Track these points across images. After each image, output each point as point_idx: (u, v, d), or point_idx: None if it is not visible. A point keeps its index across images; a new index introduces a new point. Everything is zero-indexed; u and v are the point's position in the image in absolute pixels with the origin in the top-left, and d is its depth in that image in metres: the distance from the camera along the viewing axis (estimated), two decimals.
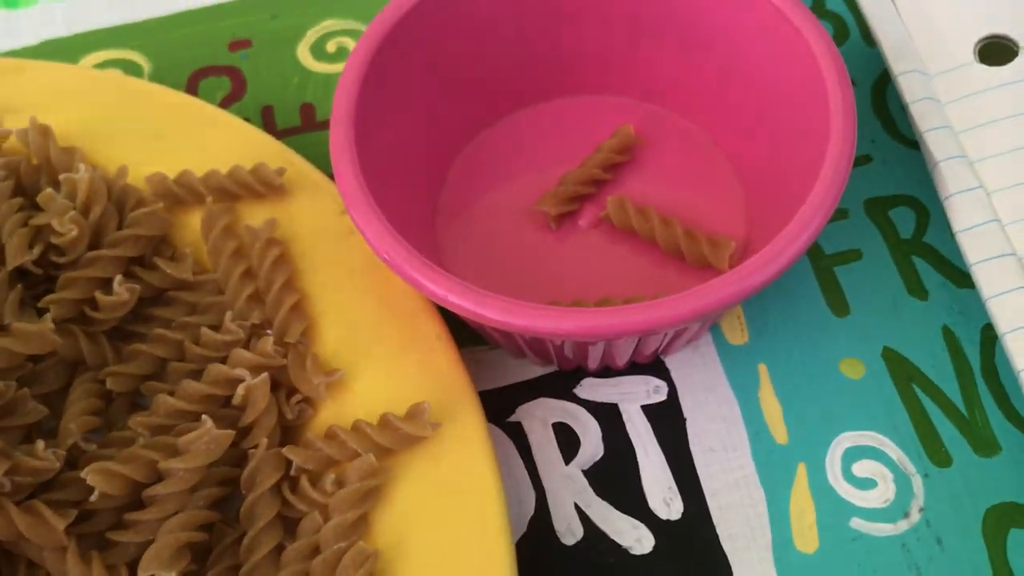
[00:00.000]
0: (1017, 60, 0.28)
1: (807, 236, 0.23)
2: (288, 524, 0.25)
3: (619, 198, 0.29)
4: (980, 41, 0.29)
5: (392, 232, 0.24)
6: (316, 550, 0.24)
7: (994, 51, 0.29)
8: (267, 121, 0.33)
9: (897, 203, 0.30)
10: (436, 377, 0.26)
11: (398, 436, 0.24)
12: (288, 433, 0.26)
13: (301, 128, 0.33)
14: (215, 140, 0.30)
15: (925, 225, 0.30)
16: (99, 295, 0.26)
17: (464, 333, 0.28)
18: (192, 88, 0.34)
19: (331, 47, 0.35)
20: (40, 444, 0.24)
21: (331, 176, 0.29)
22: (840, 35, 0.33)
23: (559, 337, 0.23)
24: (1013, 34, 0.29)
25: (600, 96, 0.32)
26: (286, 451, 0.25)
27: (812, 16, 0.26)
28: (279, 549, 0.24)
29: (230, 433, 0.24)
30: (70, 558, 0.23)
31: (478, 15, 0.29)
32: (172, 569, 0.23)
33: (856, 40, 0.33)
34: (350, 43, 0.35)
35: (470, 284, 0.23)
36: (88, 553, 0.23)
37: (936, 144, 0.27)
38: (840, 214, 0.30)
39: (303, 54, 0.35)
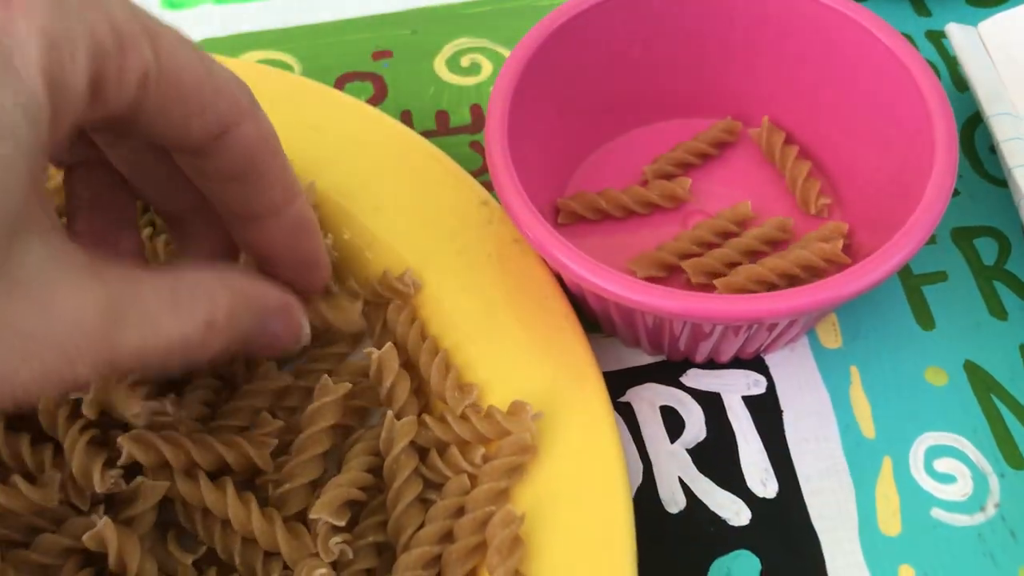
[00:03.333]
0: None
1: (907, 251, 0.26)
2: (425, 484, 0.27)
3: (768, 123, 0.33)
4: None
5: (538, 217, 0.27)
6: (461, 510, 0.26)
7: None
8: (405, 123, 0.37)
9: (981, 233, 0.33)
10: (563, 354, 0.29)
11: (501, 429, 0.27)
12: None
13: (436, 132, 0.37)
14: (368, 134, 0.33)
15: (1007, 254, 0.32)
16: None
17: (582, 321, 0.31)
18: (339, 89, 0.38)
19: (465, 62, 0.39)
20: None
21: (470, 172, 0.32)
22: None
23: (680, 318, 0.26)
24: None
25: (705, 118, 0.35)
26: (432, 421, 0.27)
27: (919, 56, 0.29)
28: (421, 503, 0.27)
29: (346, 385, 0.27)
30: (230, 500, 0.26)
31: (614, 39, 0.32)
32: (340, 519, 0.25)
33: (947, 86, 0.36)
34: (481, 59, 0.39)
35: (603, 265, 0.26)
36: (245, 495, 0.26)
37: (1023, 179, 0.30)
38: (929, 240, 0.33)
39: (439, 66, 0.39)
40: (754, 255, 0.32)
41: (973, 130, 0.35)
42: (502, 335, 0.29)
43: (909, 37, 0.38)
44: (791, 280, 0.30)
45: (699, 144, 0.34)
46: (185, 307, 0.21)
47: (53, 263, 0.19)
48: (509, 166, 0.28)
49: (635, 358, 0.31)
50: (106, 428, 0.26)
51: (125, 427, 0.26)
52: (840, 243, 0.30)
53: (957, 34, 0.34)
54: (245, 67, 0.36)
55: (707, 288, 0.31)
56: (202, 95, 0.22)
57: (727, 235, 0.32)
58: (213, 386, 0.28)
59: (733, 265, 0.31)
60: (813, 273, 0.30)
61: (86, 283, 0.20)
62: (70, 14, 0.19)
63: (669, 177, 0.33)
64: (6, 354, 0.18)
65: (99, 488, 0.25)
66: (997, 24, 0.34)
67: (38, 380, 0.19)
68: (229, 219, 0.26)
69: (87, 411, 0.25)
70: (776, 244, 0.32)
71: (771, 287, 0.30)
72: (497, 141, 0.28)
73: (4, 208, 0.18)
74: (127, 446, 0.25)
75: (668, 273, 0.32)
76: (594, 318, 0.31)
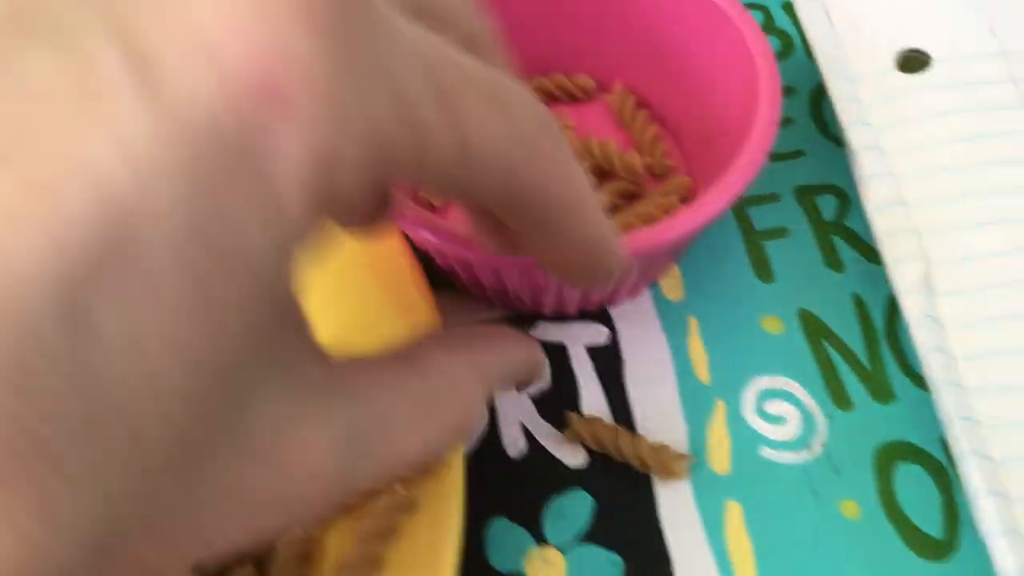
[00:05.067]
0: (929, 70, 0.33)
1: (733, 191, 0.27)
2: None
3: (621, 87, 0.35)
4: (899, 52, 0.33)
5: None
6: None
7: (911, 61, 0.33)
8: None
9: (823, 191, 0.34)
10: (407, 310, 0.29)
11: None
12: None
13: None
14: None
15: (846, 210, 0.34)
16: None
17: (434, 281, 0.32)
18: None
19: None
20: None
21: None
22: (786, 48, 0.38)
23: (490, 267, 0.27)
24: (927, 48, 0.33)
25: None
26: None
27: (753, 21, 0.30)
28: None
29: None
30: None
31: None
32: None
33: (799, 54, 0.38)
34: None
35: (443, 223, 0.27)
36: None
37: (856, 135, 0.32)
38: (773, 197, 0.34)
39: None
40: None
41: (821, 97, 0.37)
42: (351, 298, 0.30)
43: (766, 8, 0.39)
44: None
45: (548, 84, 0.35)
46: (437, 416, 0.19)
47: (290, 409, 0.16)
48: None
49: (487, 313, 0.32)
50: None
51: None
52: (677, 199, 0.32)
53: (802, 3, 0.35)
54: None
55: None
56: (499, 154, 0.17)
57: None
58: None
59: None
60: None
61: (320, 428, 0.16)
62: (351, 113, 0.14)
63: None
64: (241, 519, 0.16)
65: None
66: None
67: (247, 543, 0.16)
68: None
69: None
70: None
71: None
72: None
73: (239, 359, 0.14)
74: None
75: None
76: (446, 277, 0.32)
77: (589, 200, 0.20)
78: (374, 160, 0.14)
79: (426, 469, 0.26)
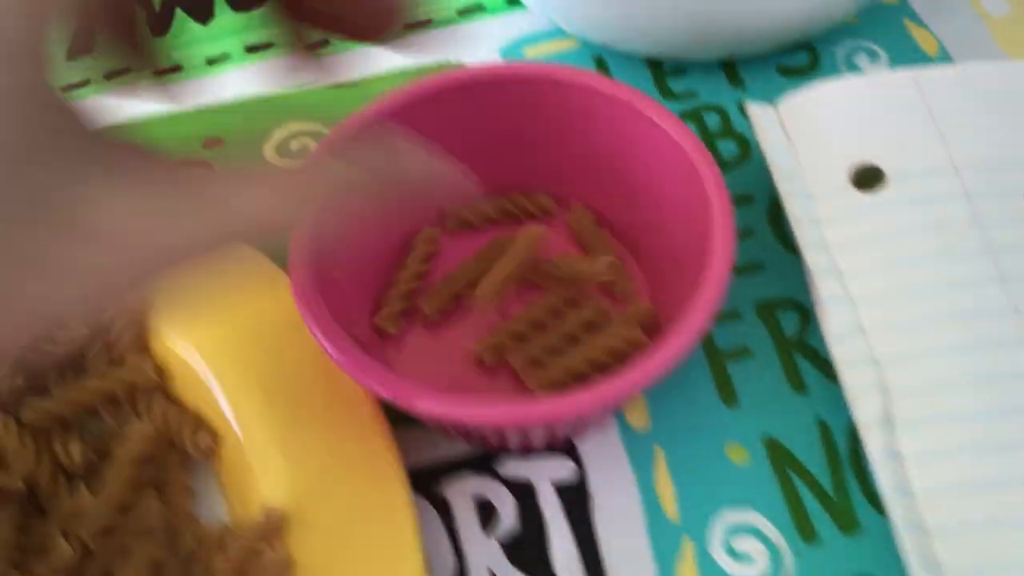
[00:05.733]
0: (885, 187, 0.33)
1: (687, 339, 0.27)
2: None
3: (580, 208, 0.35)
4: (854, 168, 0.33)
5: (334, 329, 0.28)
6: None
7: (866, 178, 0.33)
8: None
9: (784, 306, 0.34)
10: (368, 457, 0.29)
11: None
12: None
13: None
14: None
15: (807, 326, 0.34)
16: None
17: (400, 413, 0.31)
18: None
19: (295, 145, 0.39)
20: None
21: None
22: (743, 153, 0.38)
23: (462, 423, 0.27)
24: (882, 164, 0.33)
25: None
26: None
27: (698, 141, 0.30)
28: None
29: None
30: None
31: (427, 132, 0.33)
32: None
33: (757, 159, 0.38)
34: (311, 143, 0.39)
35: (395, 376, 0.27)
36: None
37: (812, 257, 0.32)
38: (734, 315, 0.34)
39: (269, 153, 0.39)
40: (573, 340, 0.32)
41: (780, 206, 0.37)
42: (310, 442, 0.30)
43: (723, 109, 0.39)
44: (602, 367, 0.31)
45: (508, 204, 0.35)
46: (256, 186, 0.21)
47: (110, 189, 0.19)
48: (309, 280, 0.28)
49: (452, 448, 0.32)
50: None
51: None
52: (638, 329, 0.32)
53: (755, 113, 0.35)
54: None
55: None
56: None
57: (554, 312, 0.33)
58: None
59: (554, 351, 0.32)
60: (620, 357, 0.31)
61: (141, 192, 0.19)
62: None
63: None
64: (35, 282, 0.18)
65: None
66: (795, 102, 0.35)
67: (69, 311, 0.19)
68: None
69: None
70: (593, 325, 0.33)
71: (585, 376, 0.31)
72: (297, 255, 0.29)
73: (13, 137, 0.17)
74: None
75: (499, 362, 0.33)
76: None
77: None
78: None
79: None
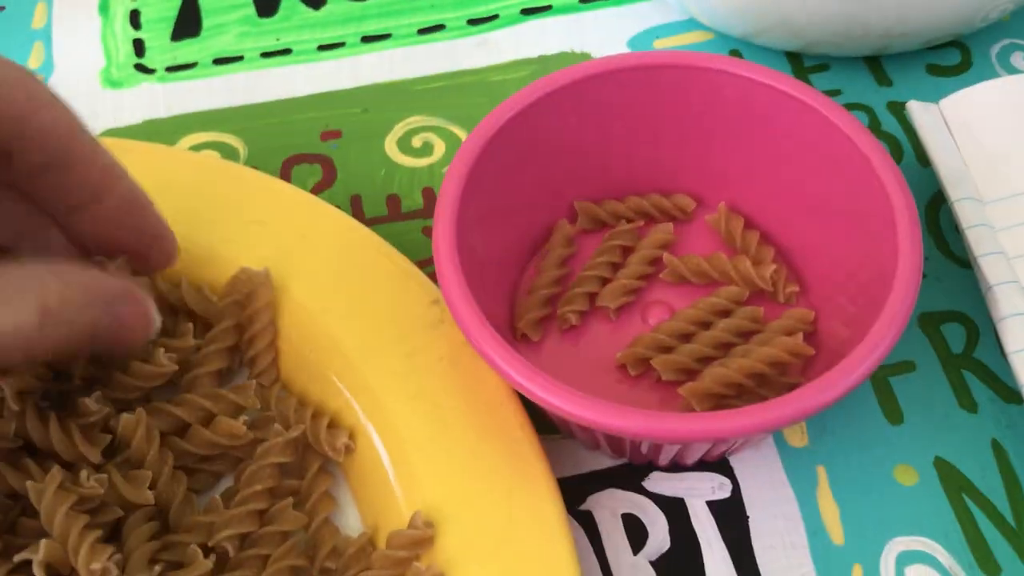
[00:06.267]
0: None
1: (877, 356, 0.25)
2: None
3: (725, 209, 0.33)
4: None
5: (488, 327, 0.26)
6: None
7: None
8: (355, 209, 0.36)
9: (949, 319, 0.32)
10: (517, 464, 0.27)
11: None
12: None
13: (387, 218, 0.35)
14: (313, 227, 0.32)
15: (975, 341, 0.31)
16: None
17: (540, 422, 0.30)
18: (286, 174, 0.37)
19: (417, 142, 0.37)
20: None
21: (418, 263, 0.31)
22: (895, 154, 0.36)
23: (637, 438, 0.25)
24: None
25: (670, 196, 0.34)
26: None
27: (879, 145, 0.28)
28: None
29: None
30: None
31: (561, 127, 0.31)
32: None
33: (911, 160, 0.36)
34: (433, 138, 0.38)
35: (558, 380, 0.25)
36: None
37: (990, 269, 0.29)
38: None
39: (390, 147, 0.37)
40: (724, 346, 0.30)
41: (939, 207, 0.35)
42: (451, 446, 0.28)
43: (870, 109, 0.37)
44: (758, 377, 0.29)
45: (645, 204, 0.33)
46: (13, 297, 0.22)
47: None
48: (459, 277, 0.27)
49: (596, 461, 0.30)
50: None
51: None
52: (800, 336, 0.29)
53: (919, 113, 0.33)
54: (184, 161, 0.35)
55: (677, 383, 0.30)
56: None
57: (701, 322, 0.31)
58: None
59: (704, 359, 0.30)
60: (780, 368, 0.29)
61: None
62: None
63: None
64: None
65: None
66: (958, 102, 0.33)
67: None
68: (59, 217, 0.27)
69: (37, 572, 0.24)
70: (745, 332, 0.31)
71: (739, 386, 0.29)
72: (445, 247, 0.27)
73: None
74: None
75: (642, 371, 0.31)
76: (553, 421, 0.30)
77: (104, 153, 0.26)
78: None
79: None
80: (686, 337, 0.31)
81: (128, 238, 0.28)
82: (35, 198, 0.27)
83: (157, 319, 0.27)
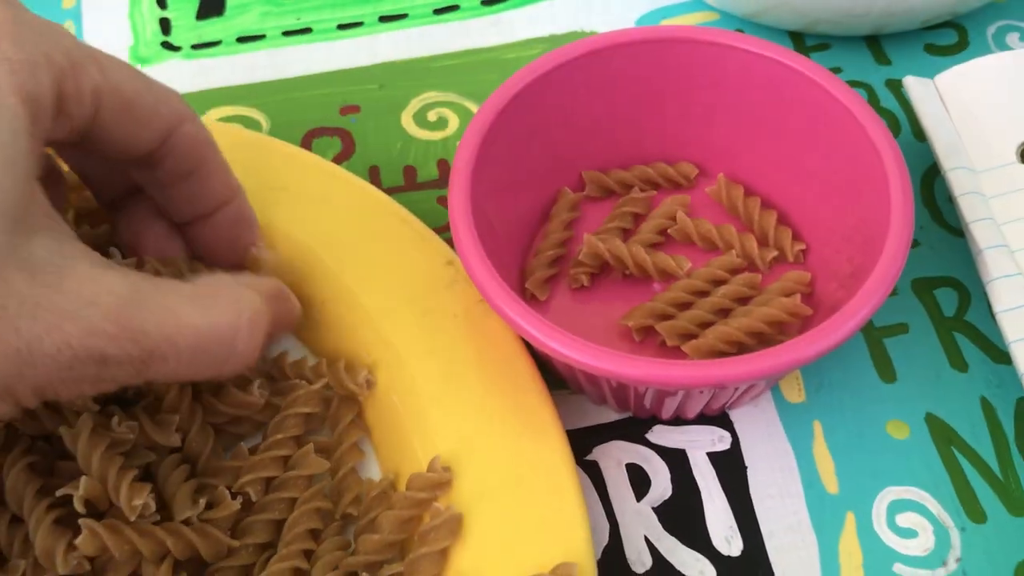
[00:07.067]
0: None
1: (868, 310, 0.26)
2: None
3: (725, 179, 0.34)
4: (1022, 144, 0.32)
5: (500, 282, 0.27)
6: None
7: None
8: (373, 179, 0.37)
9: (942, 284, 0.33)
10: (528, 414, 0.29)
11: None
12: None
13: (404, 187, 0.37)
14: (334, 193, 0.34)
15: (967, 305, 0.33)
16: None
17: (548, 377, 0.31)
18: (306, 146, 0.38)
19: (432, 116, 0.39)
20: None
21: (435, 230, 0.32)
22: (893, 129, 0.37)
23: (644, 384, 0.27)
24: None
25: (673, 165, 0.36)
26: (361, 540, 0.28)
27: (875, 115, 0.29)
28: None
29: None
30: None
31: (569, 99, 0.33)
32: None
33: (907, 135, 0.37)
34: (448, 113, 0.39)
35: (569, 333, 0.26)
36: None
37: (981, 234, 0.31)
38: (891, 291, 0.33)
39: (407, 121, 0.39)
40: (723, 311, 0.32)
41: (933, 180, 0.36)
42: (466, 398, 0.29)
43: (869, 86, 0.38)
44: (758, 336, 0.31)
45: (651, 172, 0.35)
46: (210, 302, 0.24)
47: (64, 255, 0.22)
48: (473, 235, 0.28)
49: (602, 415, 0.31)
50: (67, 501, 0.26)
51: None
52: (799, 296, 0.31)
53: (915, 87, 0.34)
54: (212, 126, 0.36)
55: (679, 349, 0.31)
56: (145, 103, 0.26)
57: (698, 292, 0.32)
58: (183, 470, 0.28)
59: (705, 325, 0.31)
60: (778, 327, 0.31)
61: (100, 272, 0.22)
62: (28, 44, 0.22)
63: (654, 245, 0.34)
64: (29, 322, 0.21)
65: (61, 570, 0.25)
66: (953, 77, 0.34)
67: (64, 355, 0.21)
68: (180, 220, 0.30)
69: (78, 505, 0.25)
70: (743, 298, 0.32)
71: (740, 344, 0.30)
72: (460, 210, 0.29)
73: (4, 203, 0.21)
74: (83, 535, 0.25)
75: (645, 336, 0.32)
76: (561, 376, 0.31)
77: (228, 169, 0.30)
78: (49, 74, 0.23)
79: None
80: (685, 306, 0.32)
81: (230, 251, 0.31)
82: (167, 205, 0.30)
83: (299, 310, 0.29)
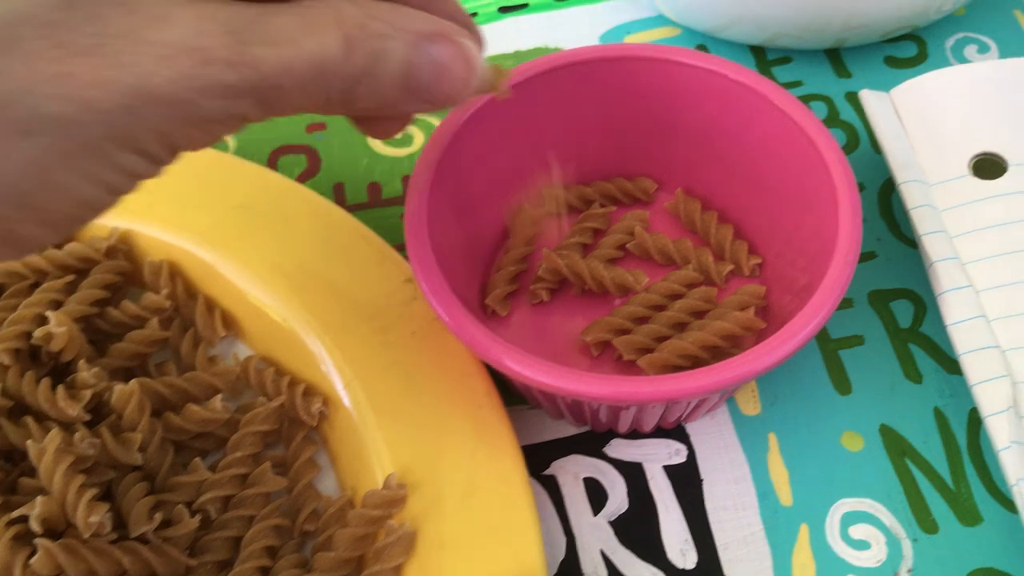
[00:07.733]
0: (1006, 176, 0.32)
1: (817, 322, 0.27)
2: None
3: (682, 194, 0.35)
4: (974, 157, 0.33)
5: (456, 302, 0.28)
6: None
7: (986, 166, 0.33)
8: (338, 196, 0.37)
9: (897, 296, 0.34)
10: (483, 430, 0.29)
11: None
12: None
13: (368, 204, 0.37)
14: (295, 212, 0.34)
15: (922, 317, 0.33)
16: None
17: (507, 393, 0.31)
18: (272, 164, 0.39)
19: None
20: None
21: (396, 247, 0.33)
22: (852, 142, 0.37)
23: (595, 400, 0.27)
24: (1003, 153, 0.32)
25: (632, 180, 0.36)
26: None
27: (825, 130, 0.30)
28: None
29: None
30: None
31: (527, 116, 0.33)
32: None
33: (866, 147, 0.37)
34: (413, 130, 0.39)
35: (522, 350, 0.27)
36: None
37: (932, 246, 0.31)
38: (846, 303, 0.33)
39: (371, 139, 0.39)
40: (680, 325, 0.32)
41: (891, 192, 0.36)
42: (423, 414, 0.30)
43: (830, 99, 0.39)
44: (713, 349, 0.31)
45: (611, 188, 0.35)
46: (313, 26, 0.21)
47: None
48: (428, 255, 0.28)
49: (560, 429, 0.32)
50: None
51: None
52: (753, 310, 0.31)
53: (870, 101, 0.35)
54: None
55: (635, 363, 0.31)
56: None
57: (656, 306, 0.33)
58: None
59: (662, 339, 0.32)
60: (733, 340, 0.31)
61: (203, 6, 0.20)
62: None
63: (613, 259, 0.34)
64: (134, 57, 0.19)
65: None
66: (909, 90, 0.35)
67: (182, 88, 0.20)
68: None
69: (34, 525, 0.26)
70: (700, 312, 0.33)
71: (695, 358, 0.31)
72: (414, 231, 0.29)
73: None
74: (39, 554, 0.25)
75: (603, 350, 0.32)
76: (519, 391, 0.32)
77: None
78: None
79: None
80: (642, 320, 0.32)
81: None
82: None
83: (481, 66, 0.24)
